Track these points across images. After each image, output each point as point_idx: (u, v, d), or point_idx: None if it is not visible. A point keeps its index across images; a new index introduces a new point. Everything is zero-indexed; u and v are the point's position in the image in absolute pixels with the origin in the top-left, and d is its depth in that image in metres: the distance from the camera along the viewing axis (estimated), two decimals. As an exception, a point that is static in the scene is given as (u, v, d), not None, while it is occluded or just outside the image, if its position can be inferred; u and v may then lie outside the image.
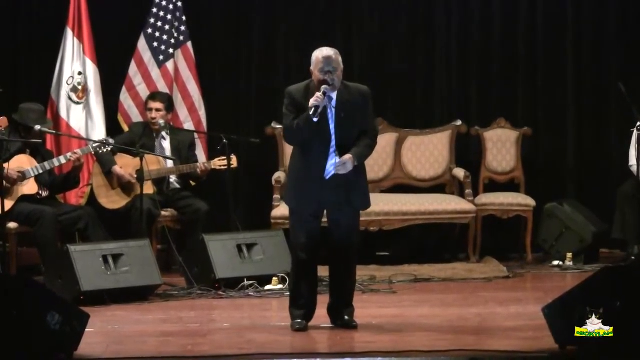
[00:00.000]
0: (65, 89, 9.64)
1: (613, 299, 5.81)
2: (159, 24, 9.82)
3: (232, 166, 9.14)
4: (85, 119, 9.63)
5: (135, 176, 8.99)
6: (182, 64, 9.86)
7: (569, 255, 9.40)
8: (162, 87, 9.73)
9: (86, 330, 6.18)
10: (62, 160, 8.81)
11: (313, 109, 6.57)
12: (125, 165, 9.25)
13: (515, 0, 10.31)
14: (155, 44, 9.80)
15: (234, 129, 9.72)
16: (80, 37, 9.63)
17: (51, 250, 8.43)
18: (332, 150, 6.71)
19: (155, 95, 9.51)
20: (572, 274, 9.08)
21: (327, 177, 6.71)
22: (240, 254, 8.42)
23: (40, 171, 8.72)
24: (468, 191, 9.73)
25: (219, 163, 9.22)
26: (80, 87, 9.64)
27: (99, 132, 9.55)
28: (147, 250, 8.17)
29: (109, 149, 8.92)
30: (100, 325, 7.01)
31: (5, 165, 8.42)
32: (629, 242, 9.42)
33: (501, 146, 10.15)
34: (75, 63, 9.65)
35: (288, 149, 8.71)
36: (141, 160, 8.64)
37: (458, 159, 10.15)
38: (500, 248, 9.98)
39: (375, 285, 8.49)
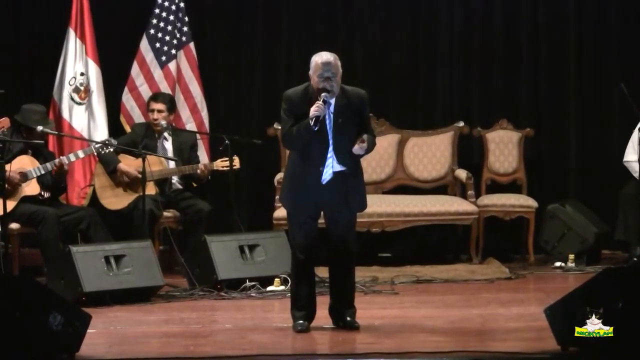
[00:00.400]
0: (67, 90, 9.64)
1: (615, 300, 5.81)
2: (161, 24, 9.82)
3: (234, 167, 9.14)
4: (87, 120, 9.63)
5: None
6: (184, 64, 9.86)
7: (571, 256, 9.39)
8: (165, 87, 9.73)
9: (88, 331, 6.18)
10: (65, 160, 8.80)
11: (314, 118, 6.58)
12: (127, 166, 9.25)
13: (517, 1, 10.31)
14: (158, 45, 9.81)
15: (236, 129, 9.72)
16: (82, 37, 9.63)
17: (53, 251, 8.43)
18: (329, 154, 6.72)
19: (157, 96, 9.51)
20: (574, 275, 9.07)
21: (324, 183, 6.73)
22: (242, 255, 8.41)
23: (42, 172, 8.71)
24: (470, 192, 9.73)
25: (221, 164, 9.22)
26: (82, 88, 9.64)
27: (101, 132, 9.55)
28: (149, 251, 8.17)
29: (111, 149, 8.92)
30: (102, 326, 7.01)
31: (8, 166, 8.42)
32: (631, 243, 9.42)
33: (503, 147, 10.14)
34: (78, 64, 9.65)
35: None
36: (143, 161, 8.63)
37: (460, 160, 10.15)
38: (502, 249, 9.97)
39: (377, 286, 8.47)
